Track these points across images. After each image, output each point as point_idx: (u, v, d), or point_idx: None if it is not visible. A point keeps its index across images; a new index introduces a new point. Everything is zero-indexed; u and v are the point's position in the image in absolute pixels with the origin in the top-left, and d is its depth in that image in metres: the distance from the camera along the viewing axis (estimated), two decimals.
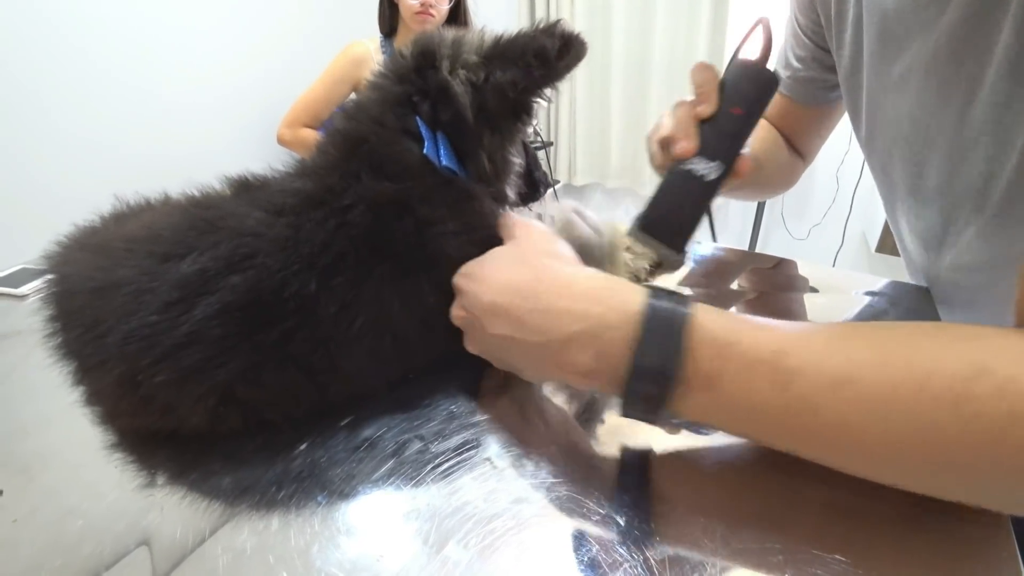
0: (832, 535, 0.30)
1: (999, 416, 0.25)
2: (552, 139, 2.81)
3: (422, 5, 1.57)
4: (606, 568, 0.29)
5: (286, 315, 0.37)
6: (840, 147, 2.14)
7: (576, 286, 0.35)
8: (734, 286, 0.65)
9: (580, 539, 0.31)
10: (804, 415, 0.29)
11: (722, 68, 0.48)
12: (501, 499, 0.33)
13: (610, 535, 0.31)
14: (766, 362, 0.30)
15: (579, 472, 0.35)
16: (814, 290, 0.62)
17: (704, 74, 0.46)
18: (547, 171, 2.74)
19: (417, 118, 0.42)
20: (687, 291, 0.61)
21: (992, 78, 0.40)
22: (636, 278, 0.55)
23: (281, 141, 1.72)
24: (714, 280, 0.66)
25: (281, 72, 2.03)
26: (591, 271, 0.37)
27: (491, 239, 0.42)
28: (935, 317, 0.55)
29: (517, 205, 0.51)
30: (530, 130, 0.49)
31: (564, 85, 0.44)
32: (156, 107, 1.73)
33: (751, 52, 0.45)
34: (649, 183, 1.68)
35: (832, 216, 2.42)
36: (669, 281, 0.61)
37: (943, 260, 0.54)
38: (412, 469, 0.36)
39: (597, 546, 0.30)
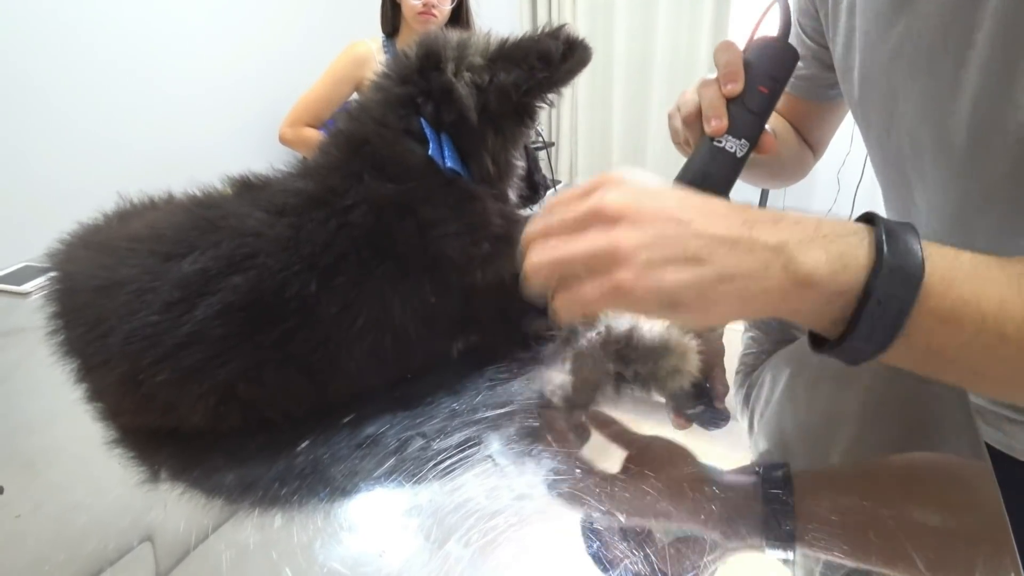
0: (825, 534, 0.30)
1: None
2: (554, 139, 2.81)
3: (424, 5, 1.57)
4: (607, 564, 0.29)
5: (287, 315, 0.37)
6: (841, 148, 2.14)
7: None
8: None
9: (581, 536, 0.31)
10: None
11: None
12: (503, 496, 0.33)
13: (611, 532, 0.31)
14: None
15: (580, 469, 0.35)
16: None
17: (730, 53, 0.47)
18: (548, 172, 2.74)
19: (422, 120, 0.42)
20: None
21: (981, 43, 0.40)
22: None
23: (283, 140, 1.72)
24: None
25: (284, 71, 2.03)
26: None
27: (493, 240, 0.43)
28: None
29: (518, 206, 0.51)
30: (532, 132, 0.49)
31: None
32: (159, 105, 1.73)
33: (770, 29, 0.46)
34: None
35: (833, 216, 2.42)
36: None
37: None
38: (414, 466, 0.36)
39: (598, 542, 0.30)
